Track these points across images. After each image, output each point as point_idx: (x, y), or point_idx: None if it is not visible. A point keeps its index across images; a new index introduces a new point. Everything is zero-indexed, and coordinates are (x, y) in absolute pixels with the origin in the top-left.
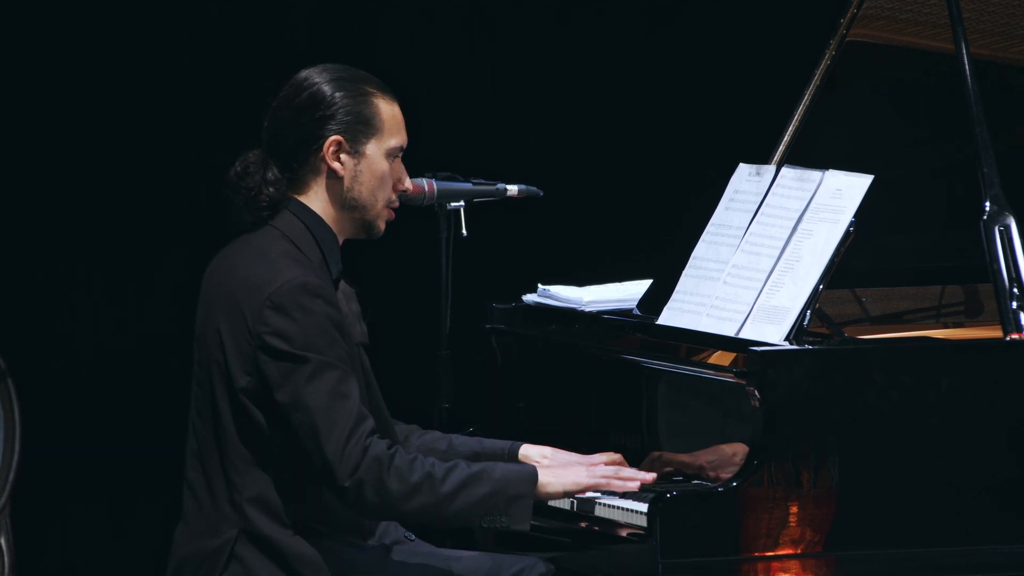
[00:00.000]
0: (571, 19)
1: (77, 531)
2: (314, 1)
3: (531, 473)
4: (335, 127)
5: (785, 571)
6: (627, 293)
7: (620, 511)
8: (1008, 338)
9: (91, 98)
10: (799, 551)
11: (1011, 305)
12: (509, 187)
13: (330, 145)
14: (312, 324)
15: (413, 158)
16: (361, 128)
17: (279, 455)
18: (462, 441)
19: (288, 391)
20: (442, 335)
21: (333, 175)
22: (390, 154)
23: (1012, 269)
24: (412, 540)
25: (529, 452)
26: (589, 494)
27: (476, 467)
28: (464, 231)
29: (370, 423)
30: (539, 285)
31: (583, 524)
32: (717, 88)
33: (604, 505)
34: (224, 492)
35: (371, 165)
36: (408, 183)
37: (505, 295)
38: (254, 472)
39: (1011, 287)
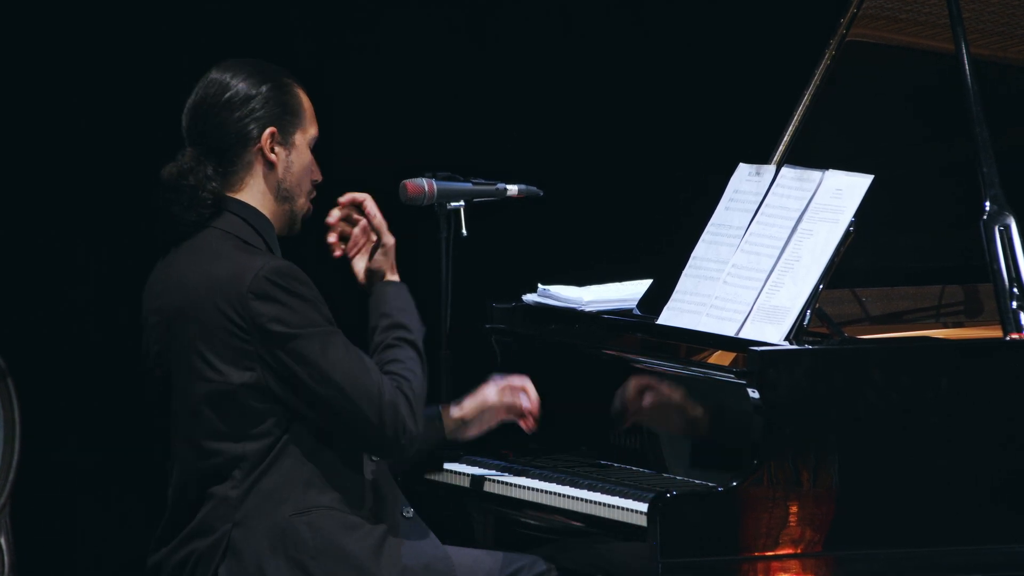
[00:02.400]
0: (571, 19)
1: (77, 531)
2: (313, 0)
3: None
4: (267, 119)
5: (785, 571)
6: (627, 293)
7: (620, 511)
8: (1008, 338)
9: (91, 97)
10: (799, 551)
11: (1011, 305)
12: (509, 187)
13: (267, 137)
14: (299, 301)
15: (414, 158)
16: (289, 119)
17: (275, 442)
18: None
19: (308, 371)
20: (442, 335)
21: (269, 167)
22: (310, 144)
23: (1012, 269)
24: (410, 517)
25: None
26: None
27: (415, 340)
28: (464, 231)
29: (379, 370)
30: (539, 285)
31: (583, 524)
32: (717, 88)
33: (603, 505)
34: (214, 495)
35: (299, 155)
36: (319, 173)
37: (505, 295)
38: (248, 465)
39: (1011, 287)
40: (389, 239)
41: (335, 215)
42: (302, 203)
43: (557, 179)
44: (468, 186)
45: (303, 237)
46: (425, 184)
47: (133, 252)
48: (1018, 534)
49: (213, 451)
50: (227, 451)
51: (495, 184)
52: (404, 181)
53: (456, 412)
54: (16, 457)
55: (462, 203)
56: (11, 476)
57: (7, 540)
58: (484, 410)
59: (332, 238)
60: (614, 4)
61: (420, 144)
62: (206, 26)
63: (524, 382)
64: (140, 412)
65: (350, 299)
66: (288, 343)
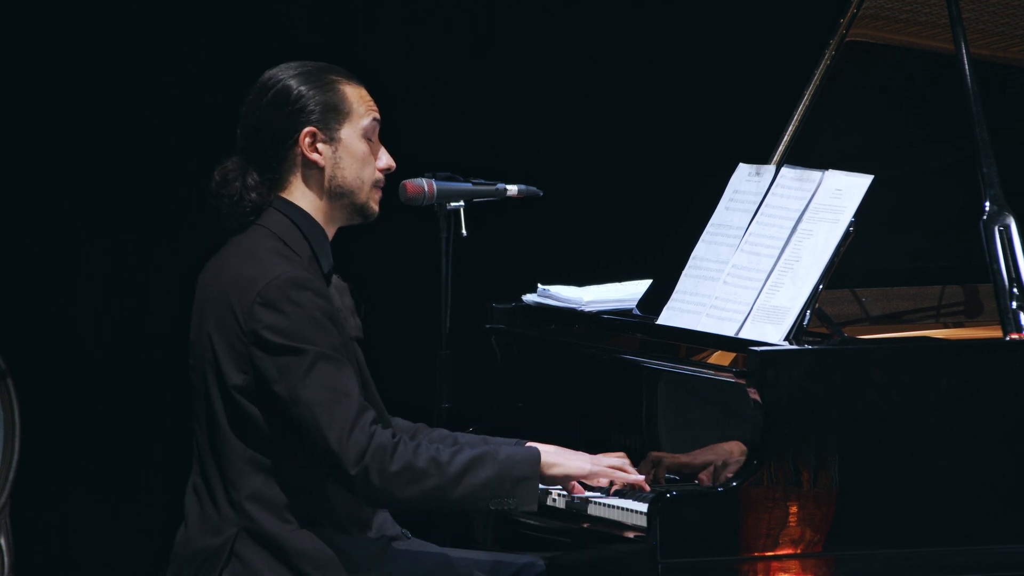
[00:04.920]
0: (571, 19)
1: (77, 531)
2: (312, 1)
3: (535, 454)
4: (307, 119)
5: (785, 571)
6: (627, 293)
7: (619, 511)
8: (1008, 338)
9: (92, 97)
10: (799, 551)
11: (1011, 305)
12: (509, 187)
13: (305, 137)
14: (303, 317)
15: (414, 158)
16: (332, 115)
17: (276, 450)
18: (468, 439)
19: (285, 385)
20: (442, 335)
21: (313, 166)
22: (366, 134)
23: (1012, 269)
24: (408, 538)
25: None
26: (587, 493)
27: (480, 449)
28: (464, 231)
29: (371, 413)
30: (539, 285)
31: (583, 524)
32: (717, 88)
33: (603, 505)
34: (223, 493)
35: (349, 148)
36: (389, 159)
37: (505, 295)
38: (252, 469)
39: (1011, 287)
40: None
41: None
42: (365, 194)
43: (557, 179)
44: (468, 186)
45: (351, 239)
46: (425, 184)
47: (134, 253)
48: (1018, 534)
49: (222, 449)
50: (233, 451)
51: (495, 184)
52: (404, 181)
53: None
54: (16, 457)
55: (462, 203)
56: (11, 476)
57: (7, 540)
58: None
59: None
60: (614, 4)
61: (420, 144)
62: (207, 26)
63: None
64: (139, 412)
65: (386, 306)
66: (276, 355)
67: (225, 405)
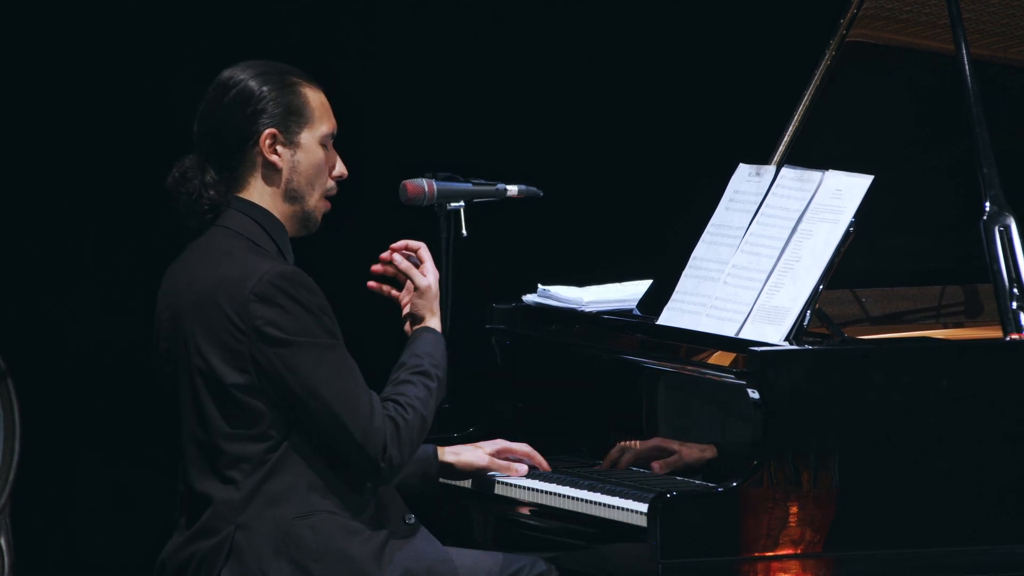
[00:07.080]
0: (571, 19)
1: (77, 531)
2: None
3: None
4: (268, 120)
5: (785, 571)
6: (627, 293)
7: (619, 511)
8: (1008, 338)
9: (93, 98)
10: (799, 551)
11: (1011, 305)
12: (509, 187)
13: (266, 138)
14: (300, 309)
15: (414, 158)
16: (293, 119)
17: (277, 444)
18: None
19: (298, 381)
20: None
21: (272, 168)
22: (323, 141)
23: (1012, 269)
24: (411, 522)
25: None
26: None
27: (419, 375)
28: (464, 231)
29: (376, 396)
30: (539, 285)
31: (583, 524)
32: (717, 88)
33: (603, 505)
34: (218, 494)
35: (307, 154)
36: (343, 168)
37: (505, 295)
38: (250, 467)
39: (1011, 287)
40: (422, 281)
41: (377, 266)
42: (315, 202)
43: (557, 179)
44: (468, 186)
45: (314, 240)
46: (425, 184)
47: (133, 253)
48: (1018, 534)
49: (216, 450)
50: (229, 451)
51: (495, 184)
52: (404, 181)
53: (450, 458)
54: (16, 457)
55: (462, 203)
56: (11, 476)
57: (7, 540)
58: (474, 469)
59: (372, 284)
60: (614, 4)
61: (420, 144)
62: (206, 25)
63: (528, 450)
64: (139, 412)
65: (358, 306)
66: (281, 349)
67: (220, 407)
